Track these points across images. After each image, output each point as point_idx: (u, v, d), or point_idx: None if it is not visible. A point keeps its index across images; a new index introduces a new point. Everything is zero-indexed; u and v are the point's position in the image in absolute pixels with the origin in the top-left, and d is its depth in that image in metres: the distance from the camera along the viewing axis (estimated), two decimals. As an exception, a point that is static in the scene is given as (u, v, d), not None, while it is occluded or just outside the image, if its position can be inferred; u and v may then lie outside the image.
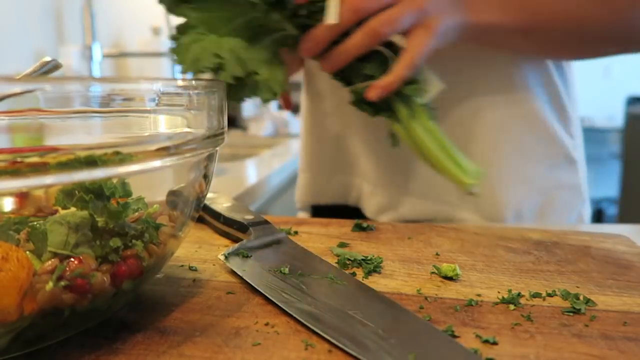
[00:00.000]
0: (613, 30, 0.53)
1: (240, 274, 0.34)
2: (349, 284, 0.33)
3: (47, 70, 0.39)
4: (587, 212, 0.67)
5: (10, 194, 0.25)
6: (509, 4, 0.50)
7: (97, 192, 0.27)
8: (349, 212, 0.68)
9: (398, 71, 0.45)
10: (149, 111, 0.27)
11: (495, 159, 0.60)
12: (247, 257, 0.37)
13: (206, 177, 0.33)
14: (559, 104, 0.62)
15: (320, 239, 0.44)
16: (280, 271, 0.35)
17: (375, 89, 0.45)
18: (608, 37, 0.54)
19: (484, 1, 0.49)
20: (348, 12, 0.44)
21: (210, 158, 0.32)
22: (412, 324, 0.28)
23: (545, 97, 0.61)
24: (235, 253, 0.37)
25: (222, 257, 0.37)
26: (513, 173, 0.61)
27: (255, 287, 0.33)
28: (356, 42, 0.45)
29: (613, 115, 3.70)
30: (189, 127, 0.29)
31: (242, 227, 0.43)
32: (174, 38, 0.47)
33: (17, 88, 0.22)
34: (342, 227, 0.48)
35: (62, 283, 0.24)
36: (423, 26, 0.46)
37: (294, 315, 0.29)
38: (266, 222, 0.43)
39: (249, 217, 0.44)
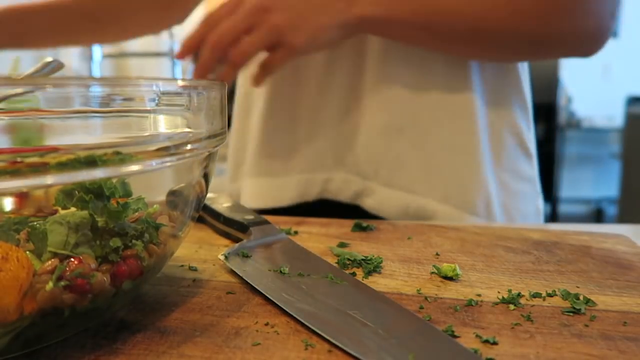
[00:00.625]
0: (517, 32, 0.53)
1: (240, 274, 0.34)
2: (349, 284, 0.33)
3: (49, 70, 0.39)
4: (542, 204, 0.68)
5: (10, 194, 0.25)
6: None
7: (97, 192, 0.27)
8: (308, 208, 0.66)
9: (256, 83, 0.55)
10: (149, 111, 0.27)
11: (465, 149, 0.60)
12: (247, 257, 0.37)
13: (206, 177, 0.33)
14: (520, 94, 0.63)
15: (320, 239, 0.44)
16: (280, 271, 0.35)
17: None
18: (513, 39, 0.54)
19: None
20: (207, 52, 0.51)
21: (210, 158, 0.32)
22: (412, 324, 0.28)
23: (509, 89, 0.62)
24: (235, 253, 0.37)
25: (222, 257, 0.37)
26: (482, 164, 0.61)
27: (255, 287, 0.33)
28: (225, 75, 0.53)
29: (613, 115, 3.71)
30: (189, 127, 0.29)
31: (242, 227, 0.43)
32: None
33: (18, 88, 0.22)
34: (342, 227, 0.48)
35: (62, 283, 0.24)
36: (280, 45, 0.51)
37: (294, 315, 0.29)
38: (266, 222, 0.43)
39: (249, 217, 0.44)
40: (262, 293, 0.32)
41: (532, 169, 0.66)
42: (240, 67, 0.52)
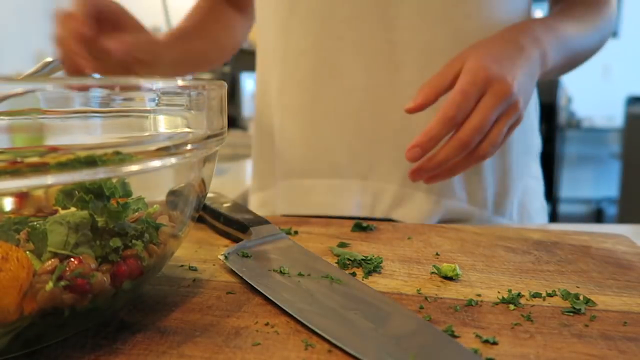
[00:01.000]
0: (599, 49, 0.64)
1: (240, 274, 0.34)
2: (349, 284, 0.33)
3: (50, 70, 0.39)
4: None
5: (10, 194, 0.25)
6: (562, 46, 0.54)
7: (97, 192, 0.27)
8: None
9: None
10: (149, 111, 0.27)
11: (501, 152, 0.61)
12: (247, 257, 0.37)
13: (206, 177, 0.33)
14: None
15: (320, 239, 0.44)
16: (280, 271, 0.35)
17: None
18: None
19: (549, 46, 0.52)
20: (454, 150, 0.46)
21: (210, 158, 0.32)
22: (412, 324, 0.28)
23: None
24: (235, 253, 0.37)
25: (222, 257, 0.37)
26: (514, 165, 0.62)
27: (255, 287, 0.33)
28: (464, 166, 0.49)
29: (613, 115, 3.71)
30: (189, 127, 0.29)
31: (242, 227, 0.43)
32: None
33: (18, 88, 0.22)
34: (342, 227, 0.48)
35: (62, 283, 0.24)
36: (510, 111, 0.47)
37: (294, 315, 0.29)
38: (266, 221, 0.43)
39: (249, 216, 0.44)
40: (262, 293, 0.32)
41: (538, 166, 0.68)
42: (487, 158, 0.48)
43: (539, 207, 0.67)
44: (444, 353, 0.25)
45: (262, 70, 0.68)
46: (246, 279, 0.34)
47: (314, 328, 0.27)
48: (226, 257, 0.37)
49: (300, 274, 0.34)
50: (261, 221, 0.43)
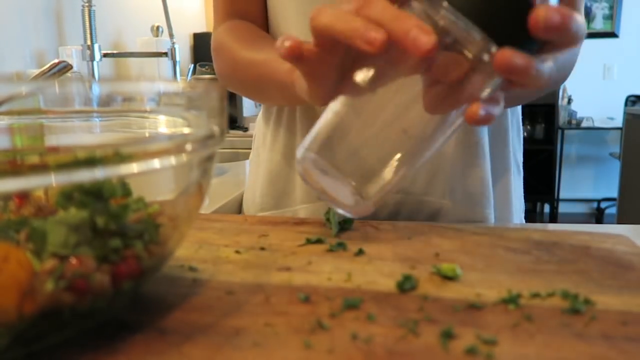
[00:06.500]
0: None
1: None
2: None
3: (58, 71, 0.39)
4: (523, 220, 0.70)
5: (10, 194, 0.25)
6: None
7: (96, 194, 0.27)
8: None
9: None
10: (149, 111, 0.27)
11: (506, 172, 0.62)
12: None
13: (206, 177, 0.33)
14: (515, 112, 0.65)
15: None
16: None
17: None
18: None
19: None
20: None
21: (209, 158, 0.32)
22: None
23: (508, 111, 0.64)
24: None
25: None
26: (512, 186, 0.63)
27: None
28: None
29: (613, 115, 3.71)
30: (189, 127, 0.29)
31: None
32: None
33: (21, 89, 0.22)
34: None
35: (62, 283, 0.24)
36: None
37: None
38: None
39: None
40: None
41: (521, 186, 0.68)
42: None
43: (518, 207, 0.67)
44: None
45: None
46: None
47: None
48: None
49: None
50: None
